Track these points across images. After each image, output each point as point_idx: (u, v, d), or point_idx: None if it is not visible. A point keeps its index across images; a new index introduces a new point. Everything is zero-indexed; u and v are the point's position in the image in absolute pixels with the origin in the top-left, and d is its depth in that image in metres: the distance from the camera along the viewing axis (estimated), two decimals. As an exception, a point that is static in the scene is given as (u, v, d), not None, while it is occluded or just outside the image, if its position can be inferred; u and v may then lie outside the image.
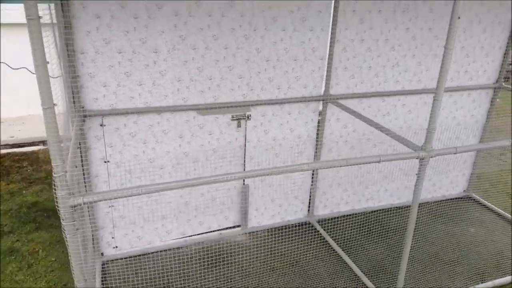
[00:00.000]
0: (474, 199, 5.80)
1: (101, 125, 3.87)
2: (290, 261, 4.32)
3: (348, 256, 4.42)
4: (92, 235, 4.17)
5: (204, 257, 4.32)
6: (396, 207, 5.45)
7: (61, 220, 2.35)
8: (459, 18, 2.87)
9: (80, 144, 3.80)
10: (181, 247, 4.52)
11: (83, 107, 3.74)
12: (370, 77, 4.76)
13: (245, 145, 4.49)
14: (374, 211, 5.33)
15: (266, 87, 4.33)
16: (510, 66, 12.56)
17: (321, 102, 4.64)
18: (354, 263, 4.31)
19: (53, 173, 2.24)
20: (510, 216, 5.33)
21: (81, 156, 3.84)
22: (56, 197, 2.28)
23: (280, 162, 4.70)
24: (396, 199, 5.55)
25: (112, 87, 3.78)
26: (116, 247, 4.34)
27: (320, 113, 4.69)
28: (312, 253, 4.45)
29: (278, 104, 4.44)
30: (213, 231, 4.73)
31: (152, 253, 4.42)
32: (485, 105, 5.59)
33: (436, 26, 4.81)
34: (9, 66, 5.39)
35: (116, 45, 3.65)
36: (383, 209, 5.38)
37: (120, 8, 3.55)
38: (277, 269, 4.19)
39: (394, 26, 4.63)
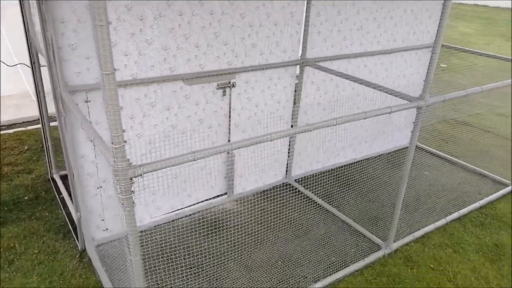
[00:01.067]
0: (420, 147, 6.52)
1: (86, 101, 3.55)
2: (282, 219, 4.51)
3: (334, 207, 4.75)
4: (79, 219, 3.90)
5: (198, 227, 4.31)
6: (359, 161, 5.93)
7: (119, 194, 2.22)
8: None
9: (64, 123, 3.47)
10: (173, 220, 4.44)
11: (66, 83, 3.38)
12: (339, 40, 4.98)
13: (230, 113, 4.46)
14: (342, 166, 5.73)
15: (250, 53, 4.31)
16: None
17: (298, 66, 4.76)
18: (341, 212, 4.65)
19: (112, 144, 2.09)
20: (450, 157, 6.12)
21: (63, 134, 3.52)
22: (115, 170, 2.14)
23: (263, 127, 4.78)
24: (358, 153, 6.02)
25: (95, 59, 3.46)
26: (107, 229, 4.12)
27: (297, 77, 4.82)
28: (300, 210, 4.70)
29: (260, 70, 4.46)
30: (202, 201, 4.71)
31: (144, 231, 4.28)
32: (427, 62, 6.20)
33: (392, -11, 5.15)
34: None
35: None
36: (348, 164, 5.81)
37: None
38: (272, 228, 4.36)
39: (358, -10, 4.86)
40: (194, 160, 2.41)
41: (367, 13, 5.07)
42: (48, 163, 5.07)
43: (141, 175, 2.23)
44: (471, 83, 9.48)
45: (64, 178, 5.11)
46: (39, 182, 4.98)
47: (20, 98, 7.44)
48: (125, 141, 2.14)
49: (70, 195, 4.76)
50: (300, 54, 4.70)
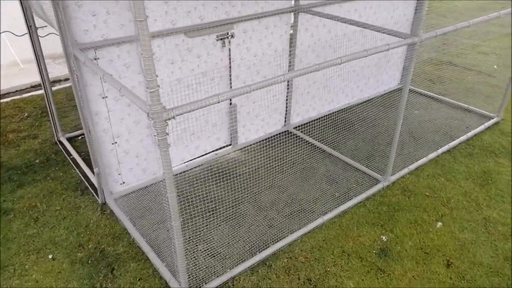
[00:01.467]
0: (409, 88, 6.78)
1: (95, 59, 3.64)
2: (286, 164, 4.79)
3: (333, 149, 5.04)
4: (98, 174, 4.09)
5: (209, 176, 4.56)
6: (352, 105, 6.19)
7: (155, 136, 2.41)
8: None
9: (77, 80, 3.57)
10: (184, 171, 4.67)
11: (75, 41, 3.45)
12: (329, -15, 5.07)
13: (230, 64, 4.59)
14: (337, 112, 5.98)
15: (246, 2, 4.38)
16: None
17: (292, 13, 4.86)
18: (341, 153, 4.95)
19: (147, 88, 2.26)
20: (437, 96, 6.43)
21: (79, 92, 3.63)
22: (151, 113, 2.32)
23: (261, 77, 4.94)
24: (351, 98, 6.26)
25: (101, 15, 3.52)
26: (124, 182, 4.32)
27: (292, 25, 4.94)
28: (301, 154, 4.97)
29: (257, 19, 4.56)
30: (209, 152, 4.93)
31: (159, 181, 4.50)
32: (414, 3, 6.35)
33: None
34: None
35: (102, -33, 3.35)
36: (342, 109, 6.07)
37: None
38: (277, 172, 4.64)
39: None
40: (218, 102, 2.59)
41: (356, -43, 5.13)
42: (53, 127, 5.16)
43: (174, 117, 2.41)
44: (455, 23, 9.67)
45: (71, 140, 5.23)
46: (46, 145, 5.10)
47: (7, 68, 7.33)
48: (158, 86, 2.30)
49: (80, 155, 4.92)
50: (293, 1, 4.79)
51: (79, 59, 3.35)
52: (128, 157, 4.24)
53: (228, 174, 4.60)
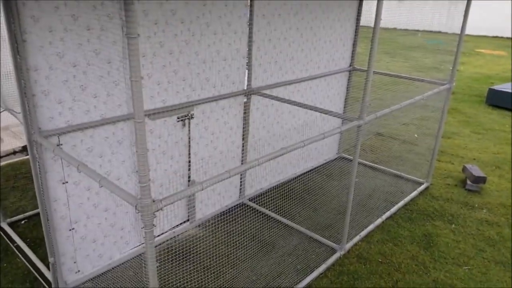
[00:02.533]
0: (345, 158, 7.39)
1: (58, 145, 3.58)
2: (245, 237, 4.86)
3: (288, 219, 5.24)
4: (53, 264, 3.83)
5: (168, 256, 4.47)
6: (298, 175, 6.56)
7: (143, 228, 2.42)
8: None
9: (39, 168, 3.46)
10: (142, 254, 4.52)
11: (39, 128, 3.40)
12: (276, 70, 5.58)
13: (189, 142, 4.74)
14: (286, 182, 6.29)
15: (205, 86, 4.66)
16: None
17: (245, 95, 5.22)
18: (295, 223, 5.16)
19: (139, 183, 2.31)
20: (371, 164, 7.07)
21: (40, 180, 3.51)
22: (141, 207, 2.35)
23: (218, 152, 5.13)
24: (297, 168, 6.65)
25: (67, 102, 3.54)
26: (79, 271, 4.07)
27: (245, 105, 5.28)
28: (259, 226, 5.10)
29: (214, 101, 4.83)
30: (166, 231, 4.86)
31: (115, 267, 4.31)
32: (345, 84, 7.14)
33: (314, 25, 5.92)
34: None
35: (70, 59, 3.44)
36: (291, 179, 6.40)
37: (72, 21, 3.36)
38: (239, 248, 4.69)
39: (289, 27, 5.53)
40: (202, 190, 2.70)
41: (296, 46, 5.76)
42: (-5, 212, 4.78)
43: (161, 208, 2.46)
44: (384, 99, 10.80)
45: (13, 225, 4.85)
46: (-14, 233, 4.67)
47: None
48: (149, 180, 2.37)
49: (25, 241, 4.57)
50: (246, 84, 5.19)
51: (44, 146, 3.29)
52: (85, 243, 4.05)
53: (188, 253, 4.54)
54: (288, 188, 6.08)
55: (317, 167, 6.90)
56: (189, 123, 4.66)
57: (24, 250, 4.40)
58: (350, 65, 7.04)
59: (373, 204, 5.74)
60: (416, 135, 8.69)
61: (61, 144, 3.60)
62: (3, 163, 6.37)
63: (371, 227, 5.19)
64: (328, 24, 6.20)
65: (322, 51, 6.29)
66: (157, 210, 2.45)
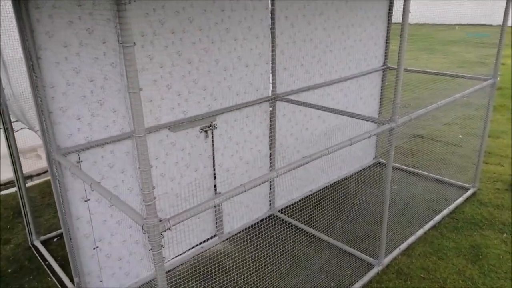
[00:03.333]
0: (383, 163, 6.98)
1: (78, 162, 3.52)
2: (275, 253, 4.63)
3: (320, 232, 4.94)
4: (78, 283, 3.77)
5: (195, 273, 4.31)
6: (332, 183, 6.24)
7: (150, 250, 2.25)
8: (410, 12, 3.58)
9: (59, 186, 3.41)
10: (169, 271, 4.40)
11: (58, 146, 3.35)
12: (302, 73, 5.33)
13: (213, 153, 4.58)
14: (319, 191, 5.99)
15: (227, 95, 4.50)
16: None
17: (269, 101, 5.01)
18: (328, 236, 4.86)
19: (143, 201, 2.15)
20: (411, 169, 6.61)
21: (61, 198, 3.45)
22: (147, 226, 2.19)
23: (244, 163, 4.93)
24: (330, 176, 6.33)
25: (86, 118, 3.47)
26: (105, 289, 4.00)
27: (270, 112, 5.07)
28: (290, 240, 4.84)
29: (238, 109, 4.65)
30: (194, 246, 4.71)
31: (142, 285, 4.20)
32: (379, 84, 6.76)
33: (342, 24, 5.63)
34: None
35: (87, 74, 3.37)
36: (323, 187, 6.09)
37: (88, 35, 3.29)
38: (269, 264, 4.45)
39: (314, 27, 5.28)
40: (215, 207, 2.51)
41: (324, 47, 5.48)
42: (27, 230, 4.82)
43: (169, 228, 2.29)
44: (422, 98, 10.30)
45: (46, 242, 4.88)
46: (19, 251, 4.72)
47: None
48: (155, 198, 2.21)
49: (56, 260, 4.56)
50: (271, 90, 4.97)
51: (63, 164, 3.23)
52: (110, 261, 3.97)
53: (214, 270, 4.36)
54: (320, 198, 5.77)
55: (352, 175, 6.55)
56: (212, 134, 4.50)
57: (55, 268, 4.40)
58: (383, 64, 6.66)
59: (414, 213, 5.33)
60: (460, 136, 8.11)
61: (81, 161, 3.54)
62: (41, 180, 6.50)
63: (412, 238, 4.79)
64: (357, 22, 5.88)
65: (352, 50, 5.97)
66: (165, 230, 2.28)
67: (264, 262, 4.46)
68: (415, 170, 6.62)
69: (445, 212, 5.33)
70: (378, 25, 6.31)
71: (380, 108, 6.90)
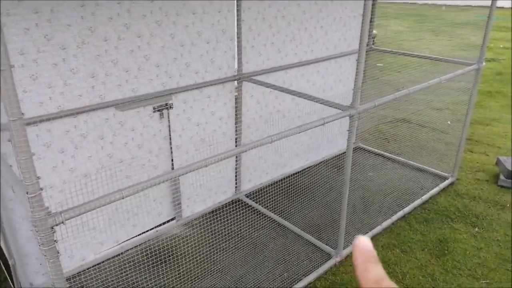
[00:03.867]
0: (363, 148, 6.71)
1: (9, 140, 3.30)
2: (234, 239, 4.44)
3: (285, 219, 4.74)
4: (14, 265, 3.62)
5: (146, 258, 4.14)
6: (305, 168, 6.00)
7: (40, 246, 2.04)
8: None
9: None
10: (118, 255, 4.24)
11: (-15, 122, 3.13)
12: (273, 53, 5.02)
13: (170, 135, 4.34)
14: (290, 175, 5.76)
15: (184, 73, 4.22)
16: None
17: (235, 81, 4.73)
18: (293, 224, 4.66)
19: (27, 193, 1.93)
20: (392, 156, 6.34)
21: (-10, 180, 3.25)
22: (33, 220, 1.98)
23: (206, 145, 4.70)
24: (305, 161, 6.09)
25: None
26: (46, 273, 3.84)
27: (236, 92, 4.80)
28: (251, 226, 4.65)
29: (197, 89, 4.39)
30: (148, 230, 4.53)
31: (88, 268, 4.04)
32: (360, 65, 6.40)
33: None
34: None
35: (17, 46, 3.11)
36: (296, 172, 5.85)
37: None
38: (225, 249, 4.28)
39: (287, 3, 4.93)
40: (123, 199, 2.28)
41: (298, 24, 5.15)
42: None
43: (62, 222, 2.08)
44: (408, 81, 9.93)
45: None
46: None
47: None
48: (41, 189, 1.99)
49: None
50: (236, 70, 4.69)
51: (-15, 143, 3.02)
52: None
53: (168, 255, 4.20)
54: (291, 183, 5.55)
55: (328, 160, 6.30)
56: (168, 114, 4.25)
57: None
58: (366, 45, 6.28)
59: (385, 202, 5.09)
60: (449, 122, 7.77)
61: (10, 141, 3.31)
62: None
63: (377, 229, 4.57)
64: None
65: (331, 29, 5.62)
66: (57, 225, 2.06)
67: (220, 248, 4.28)
68: (396, 156, 6.35)
69: (417, 202, 5.08)
70: (362, 2, 5.91)
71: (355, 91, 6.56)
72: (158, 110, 4.16)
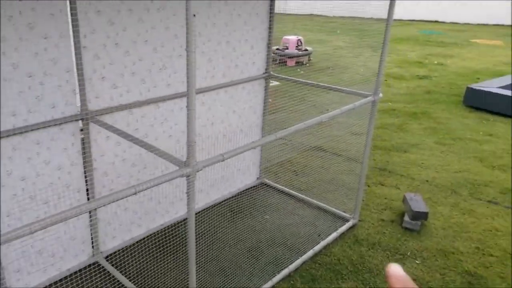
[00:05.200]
0: (267, 184, 6.01)
1: None
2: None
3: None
4: None
5: None
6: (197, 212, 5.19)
7: None
8: (194, 15, 2.53)
9: None
10: None
11: None
12: (136, 83, 4.22)
13: (-19, 194, 3.41)
14: (171, 225, 4.94)
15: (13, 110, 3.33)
16: (277, 50, 13.97)
17: (80, 121, 3.88)
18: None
19: None
20: (296, 193, 5.67)
21: None
22: None
23: (39, 203, 3.79)
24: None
25: None
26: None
27: (82, 135, 3.94)
28: (102, 299, 3.78)
29: (19, 134, 3.49)
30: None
31: None
32: (261, 94, 5.76)
33: (196, 20, 4.56)
34: None
35: None
36: (179, 221, 5.04)
37: None
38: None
39: (151, 26, 4.17)
40: None
41: (169, 50, 4.40)
42: None
43: None
44: (310, 107, 9.50)
45: None
46: None
47: None
48: None
49: None
50: (80, 107, 3.84)
51: None
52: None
53: None
54: (171, 235, 4.73)
55: (222, 202, 5.52)
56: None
57: None
58: (265, 72, 5.65)
59: (273, 256, 4.38)
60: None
61: None
62: None
63: (253, 296, 3.83)
64: (223, 21, 4.82)
65: (215, 56, 4.91)
66: None
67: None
68: (300, 194, 5.68)
69: (309, 253, 4.40)
70: (256, 25, 5.28)
71: (263, 121, 5.91)
72: (-43, 165, 3.23)
